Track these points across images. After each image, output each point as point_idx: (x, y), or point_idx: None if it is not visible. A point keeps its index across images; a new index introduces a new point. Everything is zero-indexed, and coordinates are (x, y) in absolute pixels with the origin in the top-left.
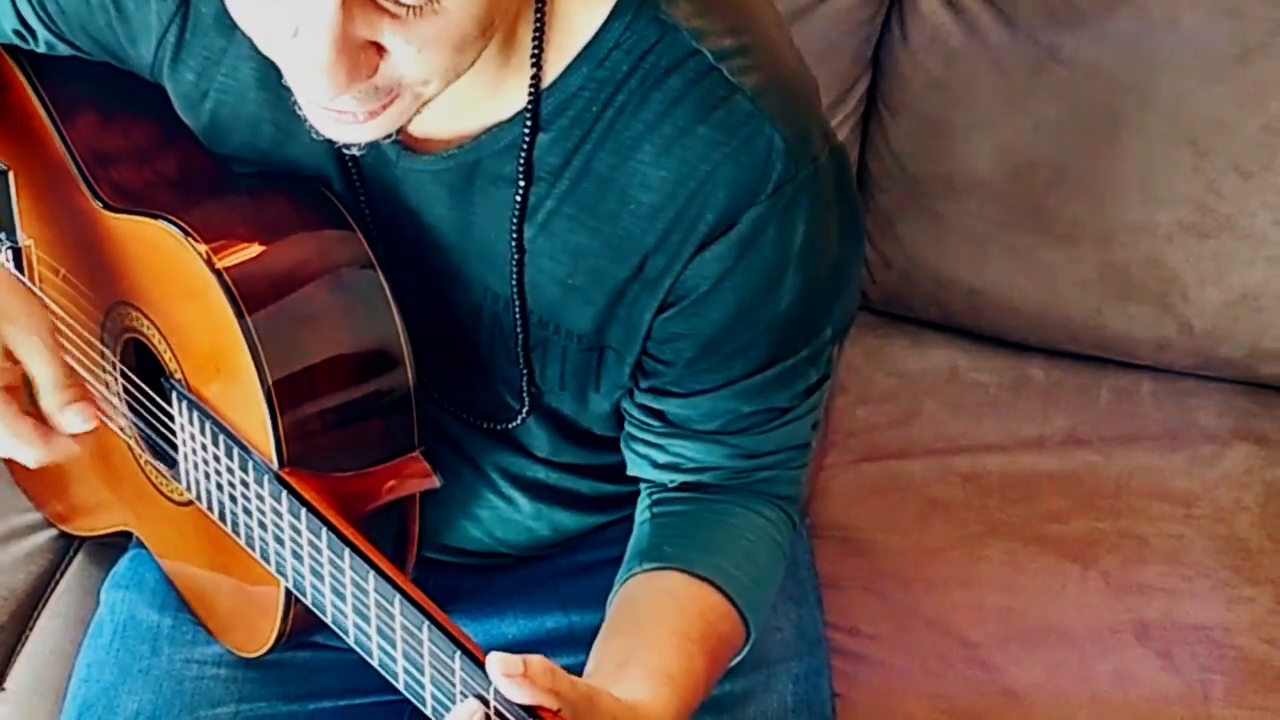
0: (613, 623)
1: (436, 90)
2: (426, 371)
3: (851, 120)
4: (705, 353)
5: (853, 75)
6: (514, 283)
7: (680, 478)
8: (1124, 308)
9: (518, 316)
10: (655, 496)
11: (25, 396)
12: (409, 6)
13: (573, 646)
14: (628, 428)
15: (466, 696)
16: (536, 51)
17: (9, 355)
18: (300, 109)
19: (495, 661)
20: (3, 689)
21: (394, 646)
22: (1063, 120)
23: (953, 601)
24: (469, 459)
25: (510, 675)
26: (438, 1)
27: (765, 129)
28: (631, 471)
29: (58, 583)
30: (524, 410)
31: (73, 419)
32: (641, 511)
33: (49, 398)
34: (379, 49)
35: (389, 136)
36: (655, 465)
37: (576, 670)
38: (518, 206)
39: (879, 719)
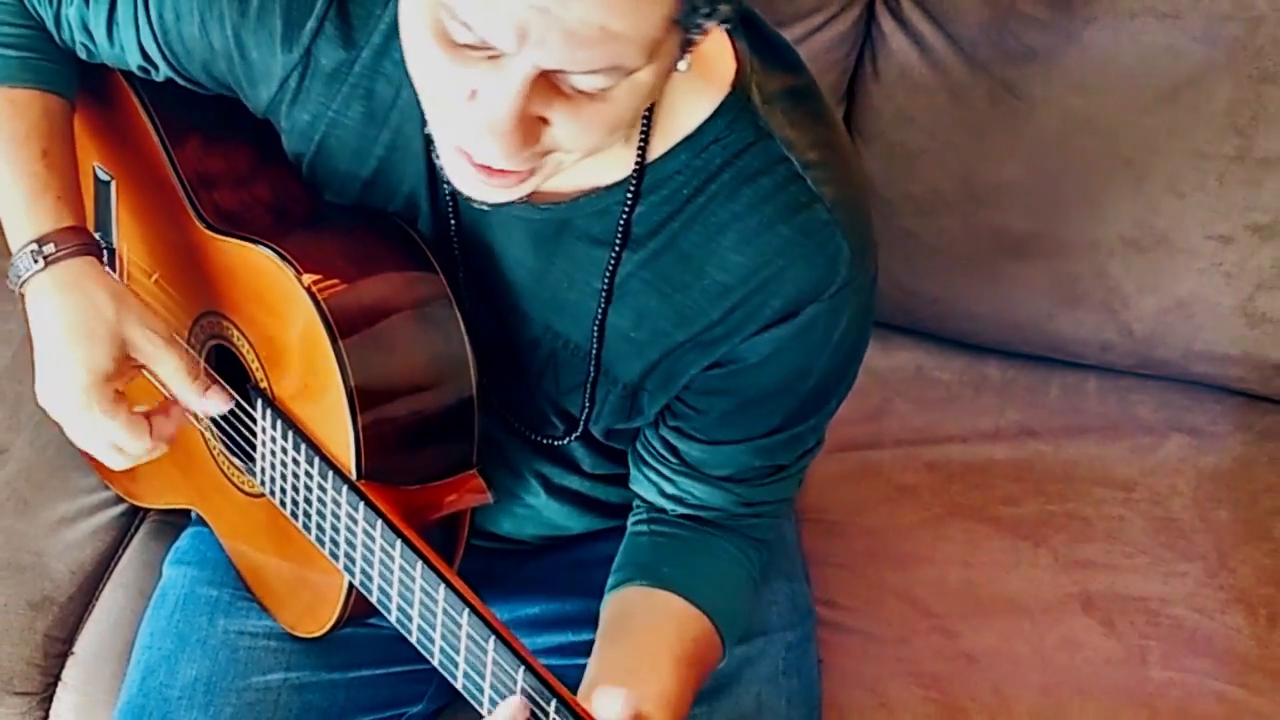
0: (610, 632)
1: (575, 161)
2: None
3: None
4: (738, 410)
5: None
6: (595, 331)
7: (682, 510)
8: (1072, 314)
9: (592, 360)
10: (653, 516)
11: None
12: (583, 93)
13: (589, 626)
14: (641, 452)
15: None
16: (644, 133)
17: (129, 358)
18: (439, 160)
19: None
20: (73, 652)
21: (457, 654)
22: (1017, 147)
23: (918, 576)
24: (510, 463)
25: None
26: (608, 91)
27: (837, 238)
28: (634, 488)
29: (121, 557)
30: (569, 431)
31: (215, 403)
32: (637, 524)
33: (185, 387)
34: (544, 121)
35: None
36: (662, 494)
37: (589, 645)
38: (610, 265)
39: (854, 680)
